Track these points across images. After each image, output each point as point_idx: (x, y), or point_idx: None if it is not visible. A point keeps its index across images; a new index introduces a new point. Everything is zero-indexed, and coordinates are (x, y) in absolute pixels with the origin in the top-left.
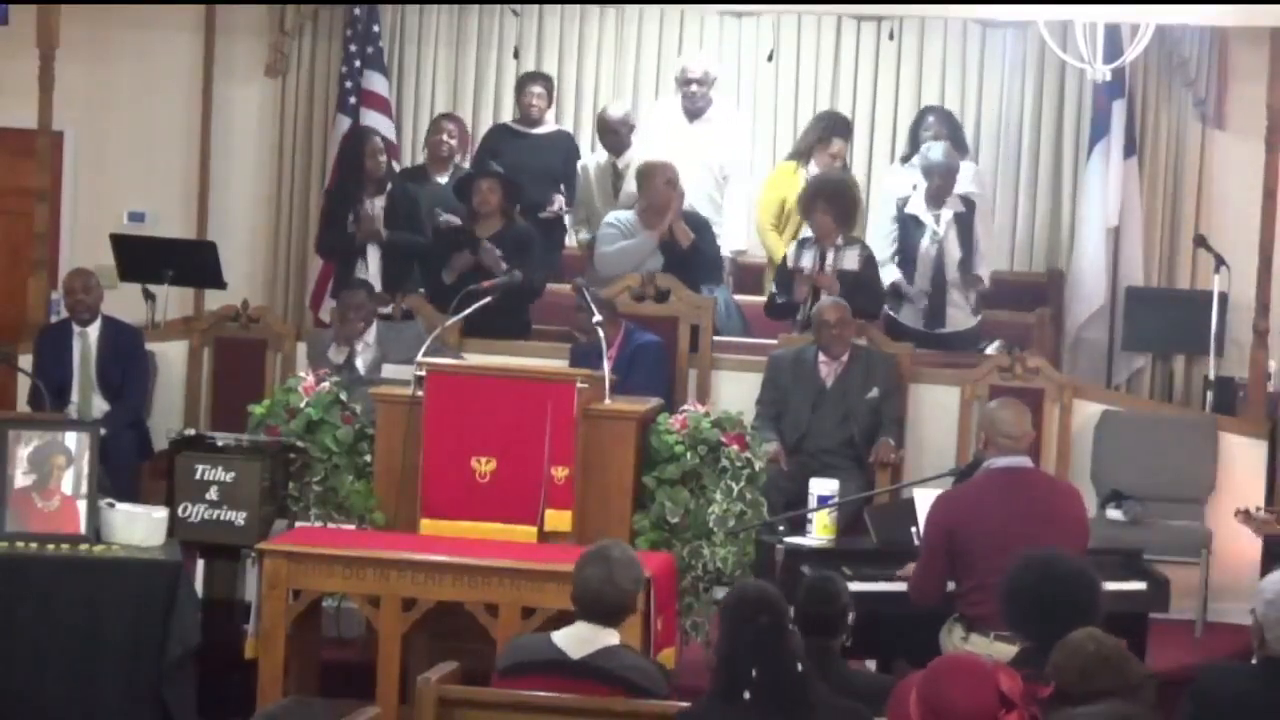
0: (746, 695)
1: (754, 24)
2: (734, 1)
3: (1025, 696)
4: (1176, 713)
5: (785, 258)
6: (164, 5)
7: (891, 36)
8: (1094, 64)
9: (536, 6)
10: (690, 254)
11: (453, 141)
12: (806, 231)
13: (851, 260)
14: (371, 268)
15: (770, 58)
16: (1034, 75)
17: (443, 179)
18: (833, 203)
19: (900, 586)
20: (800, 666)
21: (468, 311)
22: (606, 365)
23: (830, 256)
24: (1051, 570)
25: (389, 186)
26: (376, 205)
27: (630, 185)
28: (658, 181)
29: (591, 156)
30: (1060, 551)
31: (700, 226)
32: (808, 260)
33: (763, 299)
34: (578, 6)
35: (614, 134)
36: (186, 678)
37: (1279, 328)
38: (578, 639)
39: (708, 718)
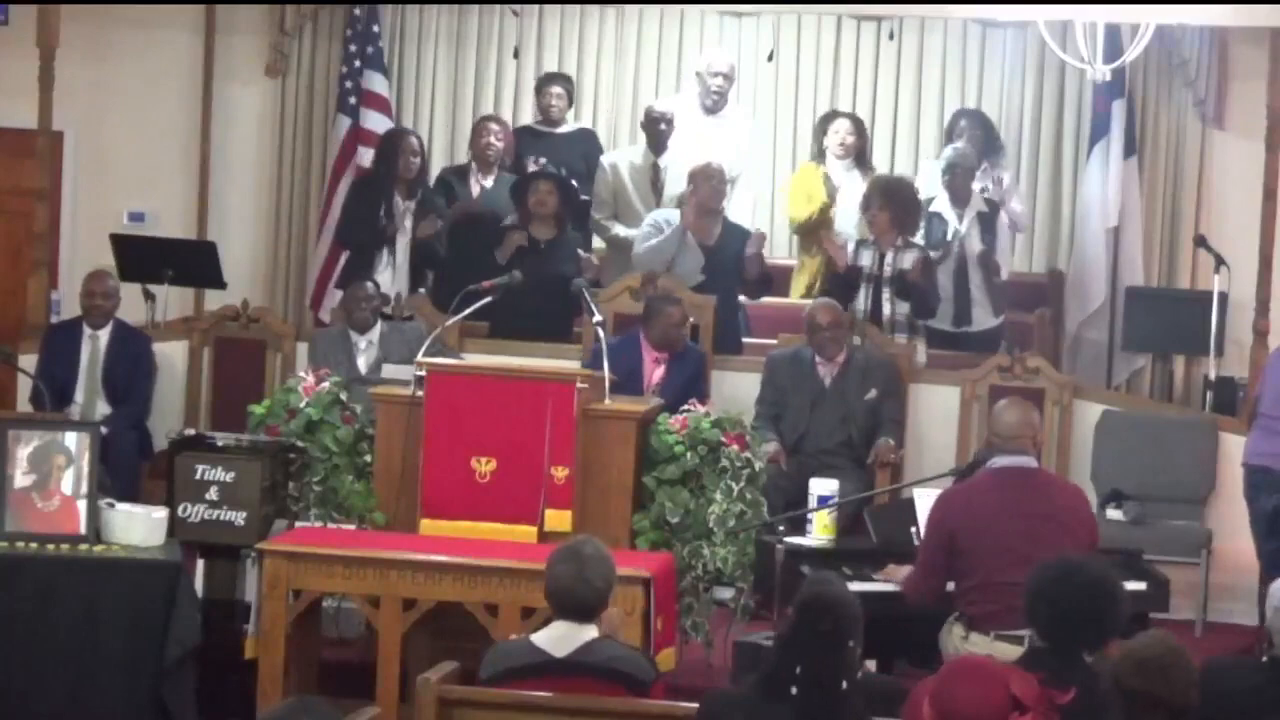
0: (794, 691)
1: (754, 24)
2: (734, 1)
3: (1042, 701)
4: None
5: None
6: (164, 5)
7: (891, 36)
8: (1094, 64)
9: (536, 6)
10: (733, 265)
11: (500, 144)
12: (856, 232)
13: (910, 262)
14: (399, 260)
15: (770, 58)
16: (1034, 75)
17: (488, 181)
18: (892, 201)
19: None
20: (845, 685)
21: (468, 312)
22: (655, 370)
23: (889, 257)
24: (1076, 576)
25: (419, 192)
26: (409, 205)
27: (674, 186)
28: (713, 184)
29: (621, 153)
30: (1089, 558)
31: (742, 237)
32: (866, 260)
33: (766, 300)
34: (577, 6)
35: (665, 125)
36: (186, 678)
37: (1279, 328)
38: (559, 638)
39: (740, 703)
